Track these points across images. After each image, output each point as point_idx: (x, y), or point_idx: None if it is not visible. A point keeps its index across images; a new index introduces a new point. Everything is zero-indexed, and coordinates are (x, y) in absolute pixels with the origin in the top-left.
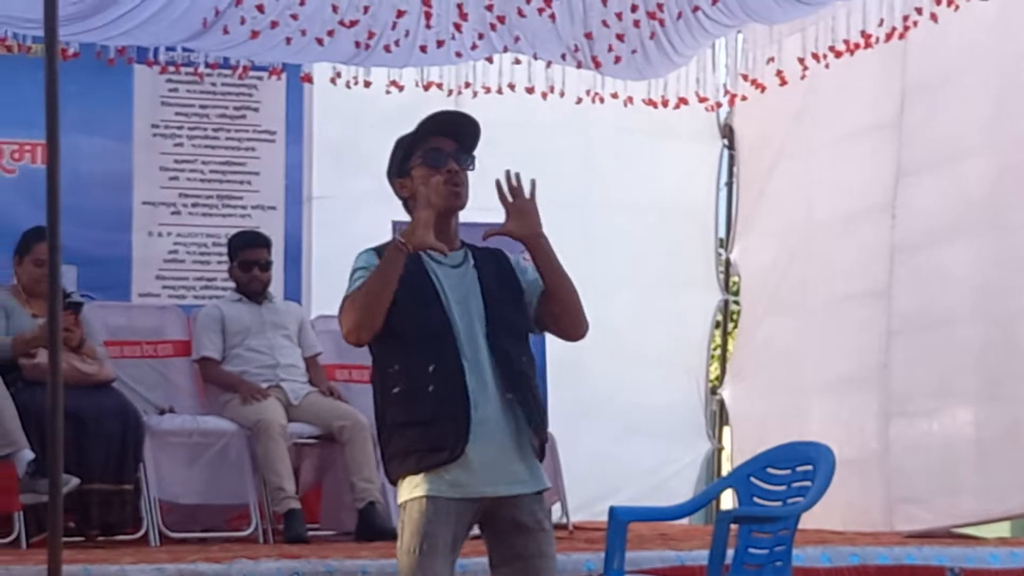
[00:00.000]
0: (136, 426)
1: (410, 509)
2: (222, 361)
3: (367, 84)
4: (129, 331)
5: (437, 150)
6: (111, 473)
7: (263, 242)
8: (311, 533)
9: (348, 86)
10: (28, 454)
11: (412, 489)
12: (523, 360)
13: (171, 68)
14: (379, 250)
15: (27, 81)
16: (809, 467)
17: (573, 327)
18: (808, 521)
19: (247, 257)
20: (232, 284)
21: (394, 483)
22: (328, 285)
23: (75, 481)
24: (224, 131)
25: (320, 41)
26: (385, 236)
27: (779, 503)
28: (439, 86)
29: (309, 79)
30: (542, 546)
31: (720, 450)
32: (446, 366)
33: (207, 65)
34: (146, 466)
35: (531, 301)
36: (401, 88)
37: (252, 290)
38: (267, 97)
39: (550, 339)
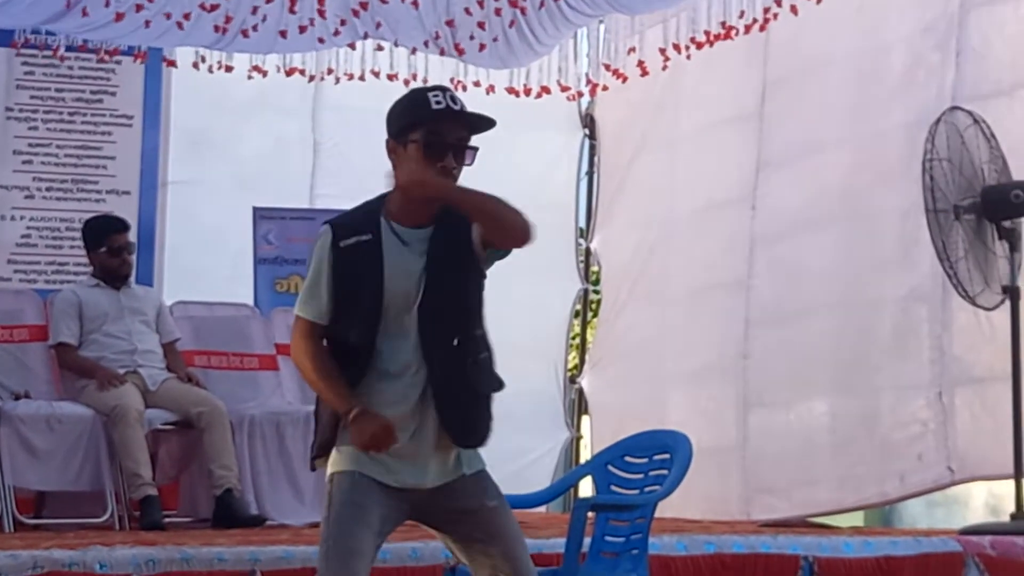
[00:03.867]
0: None
1: (339, 480)
2: (79, 347)
3: (228, 69)
4: None
5: (441, 141)
6: None
7: (127, 226)
8: (168, 520)
9: (211, 71)
10: None
11: (345, 462)
12: (453, 332)
13: (28, 51)
14: (335, 226)
15: None
16: (667, 455)
17: (507, 238)
18: (666, 510)
19: (117, 242)
20: (87, 269)
21: (316, 459)
22: (182, 271)
23: None
24: (80, 115)
25: (180, 25)
26: (242, 223)
27: (637, 491)
28: (301, 72)
29: (173, 64)
30: (492, 523)
31: (579, 439)
32: (360, 350)
33: (68, 48)
34: (1, 452)
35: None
36: (264, 73)
37: (122, 274)
38: (125, 81)
39: None
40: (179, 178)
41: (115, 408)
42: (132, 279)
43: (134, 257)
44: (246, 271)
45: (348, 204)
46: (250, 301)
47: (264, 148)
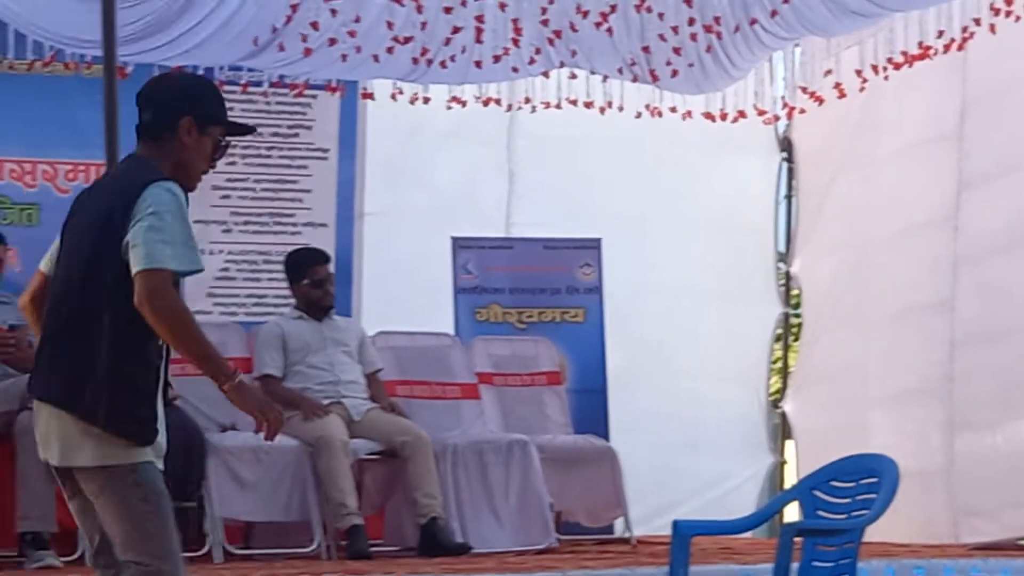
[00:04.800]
0: (199, 444)
1: (149, 470)
2: (283, 378)
3: (426, 101)
4: None
5: (225, 148)
6: (174, 490)
7: (328, 258)
8: (373, 549)
9: (412, 102)
10: None
11: (147, 451)
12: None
13: (226, 87)
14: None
15: (82, 101)
16: (874, 480)
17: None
18: (873, 534)
19: (319, 274)
20: (286, 301)
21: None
22: (380, 302)
23: None
24: (277, 149)
25: (376, 58)
26: (438, 253)
27: (844, 516)
28: (498, 102)
29: (371, 96)
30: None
31: (783, 464)
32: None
33: (270, 84)
34: (209, 483)
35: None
36: (463, 104)
37: (324, 306)
38: (321, 114)
39: (610, 353)
40: (375, 209)
41: (320, 438)
42: (333, 311)
43: (335, 289)
44: (442, 300)
45: (545, 232)
46: (448, 330)
47: (459, 178)
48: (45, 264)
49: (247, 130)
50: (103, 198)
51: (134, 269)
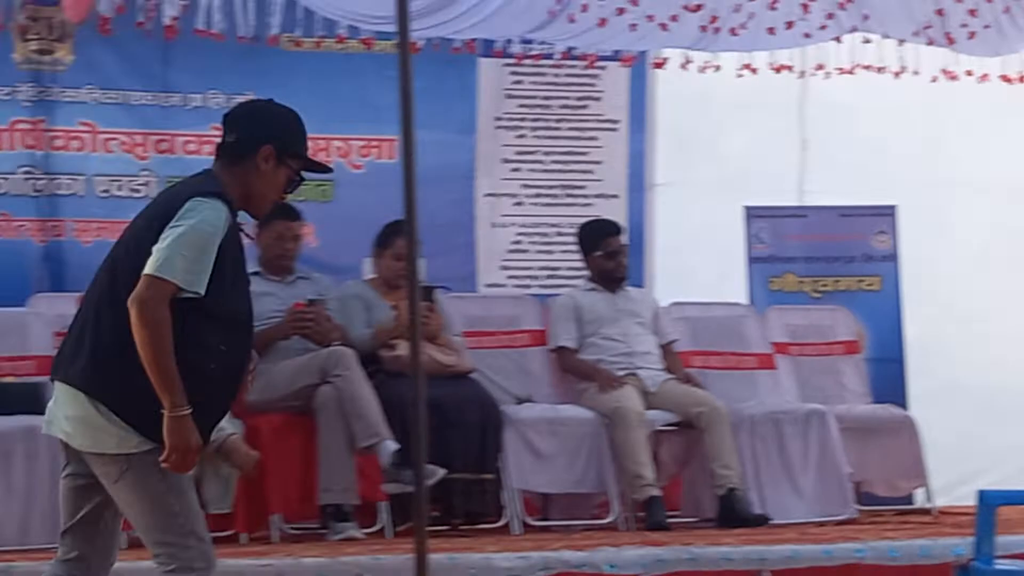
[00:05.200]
0: (495, 416)
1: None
2: (578, 350)
3: (717, 69)
4: (485, 321)
5: (299, 183)
6: (472, 463)
7: (620, 229)
8: (671, 520)
9: (701, 71)
10: (391, 445)
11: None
12: None
13: (512, 59)
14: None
15: (373, 78)
16: None
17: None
18: None
19: (612, 246)
20: (578, 273)
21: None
22: (671, 273)
23: (442, 472)
24: (566, 121)
25: (664, 26)
26: (729, 223)
27: None
28: (790, 68)
29: (661, 65)
30: None
31: None
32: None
33: (560, 56)
34: (506, 455)
35: None
36: (755, 71)
37: (617, 277)
38: (610, 86)
39: (908, 321)
40: (666, 180)
41: (616, 410)
42: (626, 282)
43: (627, 260)
44: (734, 270)
45: (838, 200)
46: (741, 300)
47: (750, 146)
48: None
49: (324, 169)
50: (158, 200)
51: (146, 268)
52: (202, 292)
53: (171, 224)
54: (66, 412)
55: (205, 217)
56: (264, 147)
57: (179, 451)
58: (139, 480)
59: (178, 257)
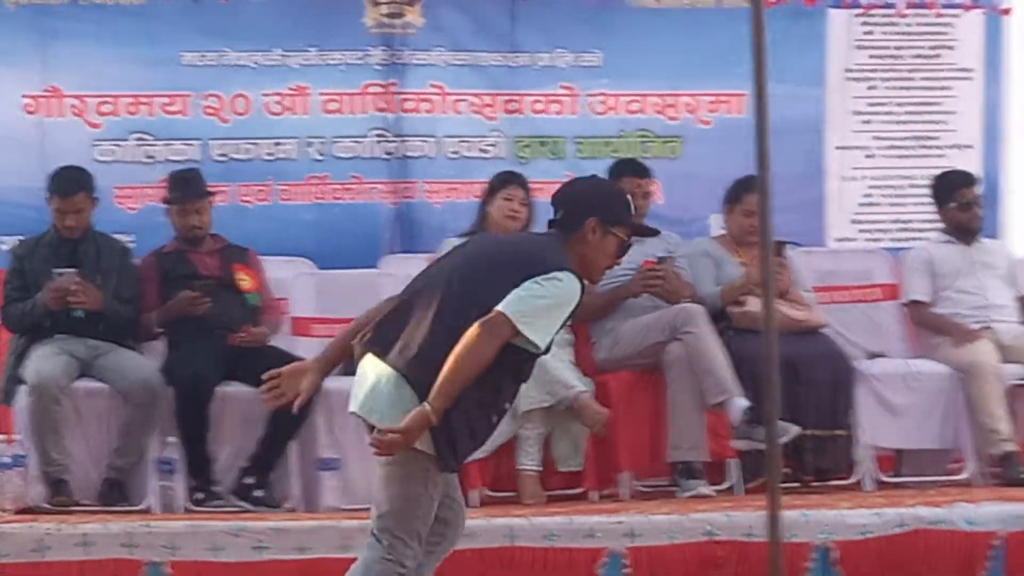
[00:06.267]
0: (847, 372)
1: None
2: (932, 304)
3: None
4: (835, 276)
5: (627, 248)
6: (824, 419)
7: (975, 180)
8: None
9: None
10: (741, 402)
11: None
12: None
13: (860, 9)
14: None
15: (720, 32)
16: None
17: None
18: None
19: (967, 197)
20: (931, 226)
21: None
22: None
23: (796, 429)
24: (918, 71)
25: None
26: None
27: None
28: None
29: (1008, 12)
30: None
31: None
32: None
33: (906, 5)
34: (857, 411)
35: None
36: None
37: (972, 229)
38: (963, 34)
39: None
40: (1023, 129)
41: (971, 364)
42: (981, 233)
43: (982, 211)
44: None
45: None
46: None
47: None
48: None
49: (651, 232)
50: (511, 248)
51: (507, 308)
52: (542, 348)
53: (537, 280)
54: (376, 386)
55: (570, 291)
56: (589, 221)
57: (402, 437)
58: (407, 474)
59: (531, 310)
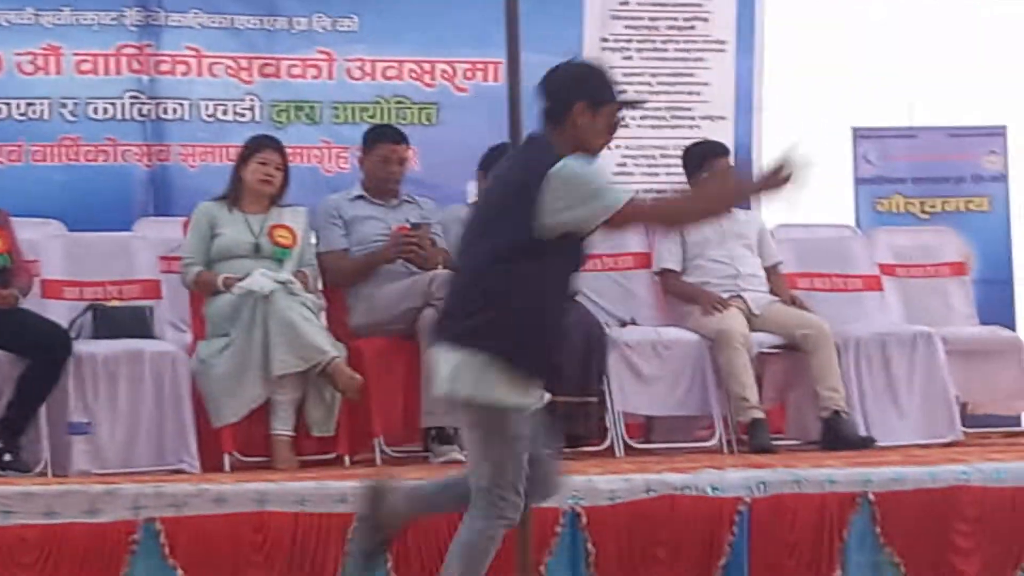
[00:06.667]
0: (600, 339)
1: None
2: (683, 272)
3: None
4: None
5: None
6: (576, 386)
7: (727, 151)
8: (775, 443)
9: None
10: None
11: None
12: None
13: None
14: None
15: (479, 0)
16: None
17: None
18: None
19: (720, 168)
20: None
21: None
22: None
23: (546, 396)
24: (672, 43)
25: None
26: (837, 144)
27: None
28: None
29: None
30: None
31: None
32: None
33: None
34: (609, 378)
35: None
36: None
37: None
38: (717, 7)
39: (1018, 242)
40: (773, 102)
41: (720, 332)
42: None
43: None
44: (840, 192)
45: (949, 121)
46: (848, 222)
47: (859, 67)
48: None
49: (640, 103)
50: (508, 175)
51: (600, 212)
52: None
53: (561, 178)
54: (440, 369)
55: (579, 162)
56: (577, 105)
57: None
58: (485, 435)
59: (604, 185)
